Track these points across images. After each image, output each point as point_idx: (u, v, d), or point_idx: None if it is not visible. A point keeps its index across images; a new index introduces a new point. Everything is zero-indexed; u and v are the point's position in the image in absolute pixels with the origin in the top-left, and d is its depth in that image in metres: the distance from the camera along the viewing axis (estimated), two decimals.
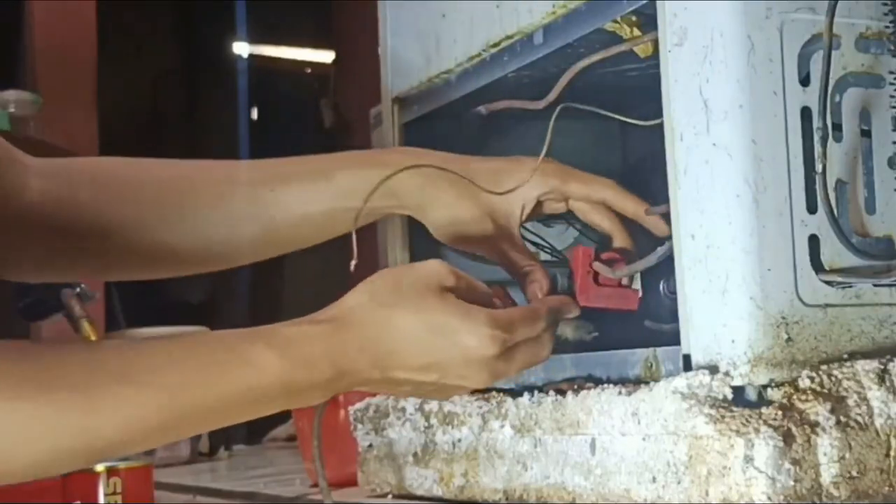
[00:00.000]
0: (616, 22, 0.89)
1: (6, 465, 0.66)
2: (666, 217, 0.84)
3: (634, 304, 0.91)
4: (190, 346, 0.73)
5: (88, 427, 0.68)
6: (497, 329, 0.77)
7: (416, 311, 0.77)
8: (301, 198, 0.94)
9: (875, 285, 0.79)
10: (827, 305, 0.78)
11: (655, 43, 0.84)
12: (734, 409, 0.73)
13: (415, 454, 1.03)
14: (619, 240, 0.93)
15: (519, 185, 0.92)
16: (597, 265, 0.90)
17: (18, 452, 0.66)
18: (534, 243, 1.00)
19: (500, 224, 0.93)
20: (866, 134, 0.81)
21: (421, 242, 1.09)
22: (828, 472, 0.72)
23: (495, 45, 1.02)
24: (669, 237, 0.83)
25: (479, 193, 0.92)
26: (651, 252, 0.87)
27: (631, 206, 0.92)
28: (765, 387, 0.75)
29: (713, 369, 0.76)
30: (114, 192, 0.91)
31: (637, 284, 0.92)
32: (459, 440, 0.97)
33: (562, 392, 0.86)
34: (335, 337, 0.75)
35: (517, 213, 0.93)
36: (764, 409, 0.73)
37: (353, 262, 0.86)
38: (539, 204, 0.94)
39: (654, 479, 0.77)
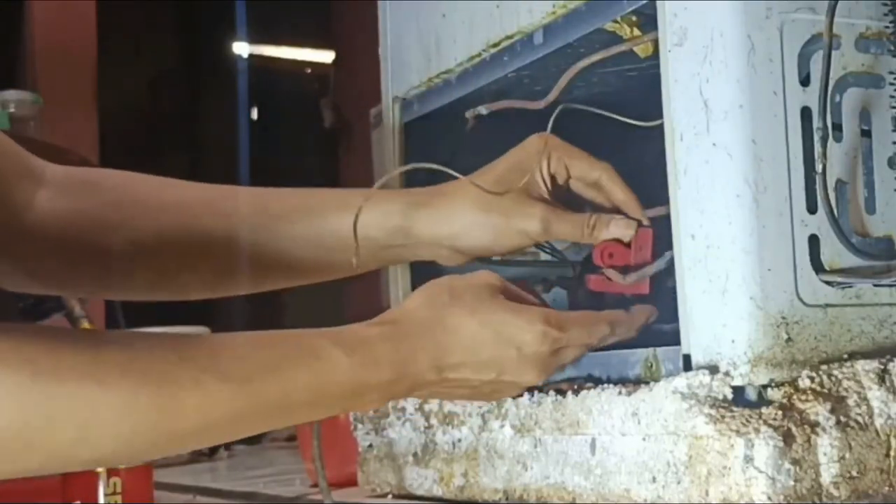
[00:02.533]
0: (616, 22, 0.89)
1: (90, 452, 0.67)
2: (664, 218, 0.84)
3: (645, 289, 0.90)
4: (260, 340, 0.73)
5: (170, 417, 0.68)
6: (550, 326, 0.79)
7: (472, 312, 0.78)
8: (321, 233, 0.92)
9: (875, 285, 0.79)
10: (827, 305, 0.78)
11: (655, 43, 0.84)
12: (734, 409, 0.73)
13: (415, 454, 1.03)
14: (614, 189, 0.90)
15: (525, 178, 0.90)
16: (608, 272, 0.90)
17: (102, 439, 0.66)
18: (536, 245, 1.00)
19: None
20: (866, 134, 0.81)
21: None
22: (828, 472, 0.72)
23: (495, 45, 1.02)
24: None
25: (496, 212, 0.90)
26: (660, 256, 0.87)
27: (620, 194, 0.91)
28: (765, 387, 0.75)
29: (713, 369, 0.76)
30: (134, 207, 0.90)
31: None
32: (459, 440, 0.97)
33: (562, 392, 0.86)
34: (397, 338, 0.76)
35: (542, 189, 0.90)
36: (764, 409, 0.73)
37: (353, 261, 0.86)
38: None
39: (654, 479, 0.77)
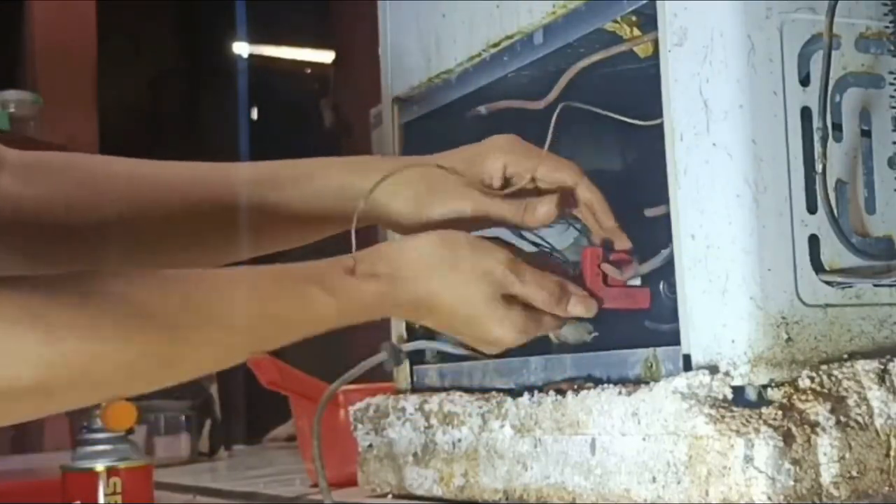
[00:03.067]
0: (616, 22, 0.89)
1: (100, 396, 0.74)
2: (664, 218, 0.84)
3: (646, 303, 0.91)
4: (262, 284, 0.80)
5: (179, 362, 0.75)
6: (506, 254, 0.85)
7: (436, 237, 0.86)
8: (292, 202, 0.95)
9: (875, 285, 0.79)
10: (827, 305, 0.78)
11: (655, 43, 0.84)
12: (734, 409, 0.73)
13: (415, 454, 1.03)
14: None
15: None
16: (605, 267, 0.90)
17: (109, 386, 0.74)
18: (534, 243, 1.00)
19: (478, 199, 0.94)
20: (866, 134, 0.81)
21: None
22: (828, 472, 0.72)
23: (495, 45, 1.02)
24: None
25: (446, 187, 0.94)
26: (656, 254, 0.87)
27: (587, 193, 0.92)
28: (765, 387, 0.75)
29: (713, 369, 0.76)
30: (96, 187, 0.92)
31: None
32: (459, 440, 0.97)
33: (562, 392, 0.86)
34: (387, 297, 0.83)
35: (495, 181, 0.94)
36: (764, 409, 0.73)
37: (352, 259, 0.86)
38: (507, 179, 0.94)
39: (654, 479, 0.77)
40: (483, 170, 0.93)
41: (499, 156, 0.93)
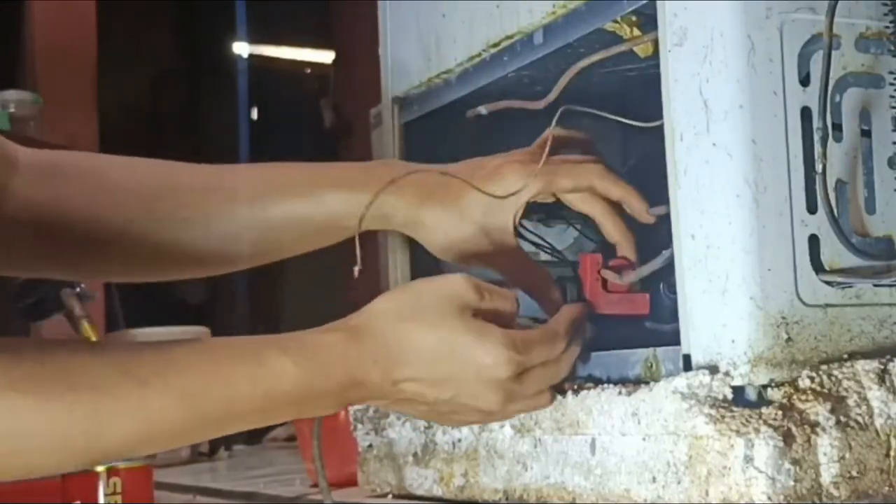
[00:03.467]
0: (616, 22, 0.89)
1: (24, 462, 0.67)
2: (664, 218, 0.84)
3: (645, 308, 0.91)
4: (207, 350, 0.73)
5: (106, 428, 0.68)
6: (513, 350, 0.78)
7: (433, 327, 0.77)
8: (291, 217, 0.93)
9: (875, 285, 0.79)
10: (827, 305, 0.78)
11: (655, 43, 0.84)
12: (734, 409, 0.73)
13: (415, 454, 1.03)
14: (610, 228, 0.91)
15: (515, 192, 0.91)
16: (605, 272, 0.90)
17: (35, 451, 0.67)
18: (534, 243, 1.00)
19: (495, 238, 0.93)
20: (866, 134, 0.81)
21: (423, 247, 1.09)
22: (828, 472, 0.72)
23: (495, 45, 1.02)
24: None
25: (467, 212, 0.92)
26: (657, 255, 0.87)
27: (615, 190, 0.91)
28: (765, 387, 0.75)
29: (713, 369, 0.76)
30: (108, 194, 0.91)
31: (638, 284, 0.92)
32: (459, 440, 0.97)
33: (562, 392, 0.86)
34: (350, 345, 0.76)
35: (510, 223, 0.93)
36: (764, 409, 0.73)
37: (356, 269, 0.85)
38: (528, 204, 0.94)
39: (654, 479, 0.77)
40: (503, 207, 0.91)
41: (523, 192, 0.91)
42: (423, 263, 1.07)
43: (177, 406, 0.70)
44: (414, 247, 1.10)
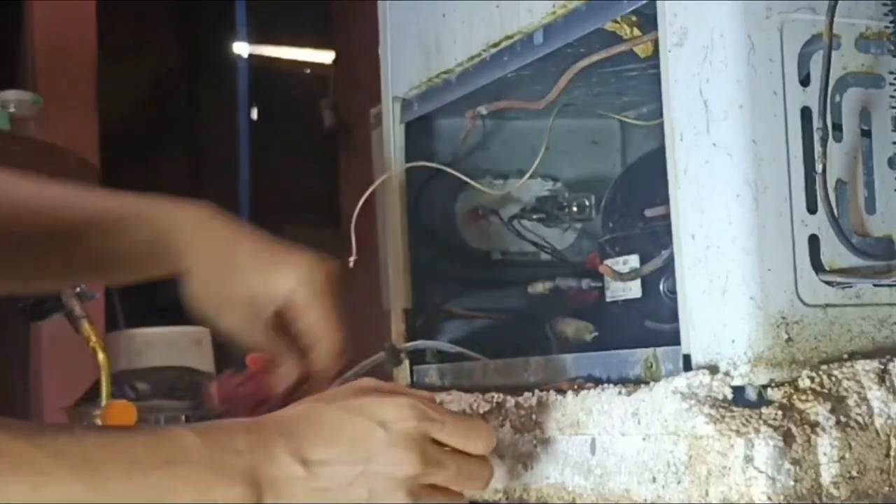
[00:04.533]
0: (616, 22, 0.89)
1: None
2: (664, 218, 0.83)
3: (270, 391, 0.93)
4: (123, 433, 0.76)
5: None
6: (417, 400, 0.77)
7: (334, 400, 0.78)
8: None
9: (875, 285, 0.79)
10: (827, 305, 0.78)
11: (655, 43, 0.84)
12: (734, 409, 0.73)
13: None
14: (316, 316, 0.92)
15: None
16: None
17: None
18: (534, 243, 1.00)
19: (256, 306, 0.92)
20: (866, 134, 0.81)
21: (420, 241, 1.09)
22: (828, 472, 0.72)
23: (495, 45, 1.02)
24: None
25: (244, 273, 0.92)
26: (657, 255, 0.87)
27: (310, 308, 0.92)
28: (765, 387, 0.75)
29: (713, 369, 0.76)
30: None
31: (637, 286, 0.92)
32: None
33: (562, 392, 0.86)
34: (256, 428, 0.76)
35: (276, 302, 0.92)
36: (764, 409, 0.73)
37: (351, 259, 0.86)
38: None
39: (654, 479, 0.77)
40: (277, 286, 0.92)
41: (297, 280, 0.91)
42: (424, 262, 1.07)
43: (83, 487, 0.70)
44: (414, 246, 1.10)
